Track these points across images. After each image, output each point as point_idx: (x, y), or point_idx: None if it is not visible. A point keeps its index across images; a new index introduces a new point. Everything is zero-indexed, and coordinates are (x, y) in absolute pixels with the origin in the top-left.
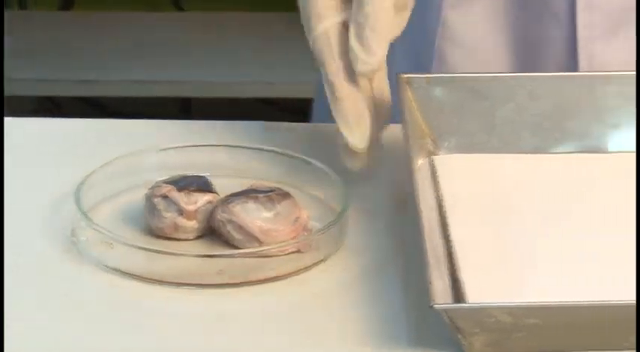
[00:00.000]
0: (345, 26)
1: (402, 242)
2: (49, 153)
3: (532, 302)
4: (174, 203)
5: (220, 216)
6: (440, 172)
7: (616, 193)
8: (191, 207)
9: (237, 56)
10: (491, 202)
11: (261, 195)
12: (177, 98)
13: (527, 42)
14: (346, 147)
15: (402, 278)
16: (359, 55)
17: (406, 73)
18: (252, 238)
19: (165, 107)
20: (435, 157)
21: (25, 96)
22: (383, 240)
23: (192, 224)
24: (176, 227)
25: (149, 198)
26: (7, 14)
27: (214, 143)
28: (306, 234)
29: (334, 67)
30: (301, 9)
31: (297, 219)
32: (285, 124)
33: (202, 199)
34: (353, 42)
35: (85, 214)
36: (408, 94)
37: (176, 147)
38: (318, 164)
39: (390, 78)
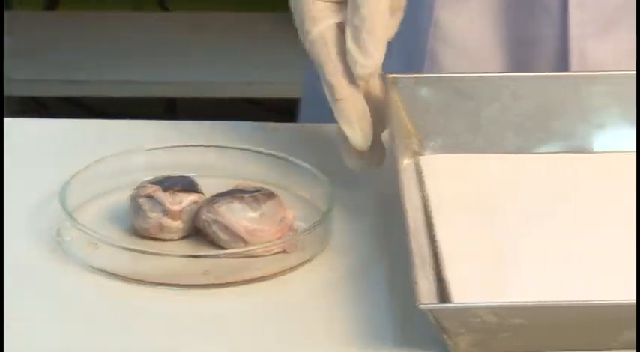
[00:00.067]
0: (340, 28)
1: (388, 242)
2: (35, 153)
3: (517, 302)
4: (160, 203)
5: (206, 216)
6: (425, 172)
7: (601, 193)
8: (176, 208)
9: (222, 56)
10: (476, 202)
11: (246, 195)
12: (162, 98)
13: (519, 40)
14: (350, 148)
15: (388, 278)
16: (357, 58)
17: (392, 73)
18: (238, 238)
19: (150, 107)
20: (421, 157)
21: (10, 96)
22: (368, 240)
23: (178, 224)
24: (161, 227)
25: (134, 198)
26: None
27: (200, 143)
28: (291, 234)
29: (333, 69)
30: (294, 12)
31: (282, 219)
32: (271, 124)
33: (187, 199)
34: (350, 45)
35: (70, 214)
36: (394, 94)
37: (162, 148)
38: (304, 164)
39: None
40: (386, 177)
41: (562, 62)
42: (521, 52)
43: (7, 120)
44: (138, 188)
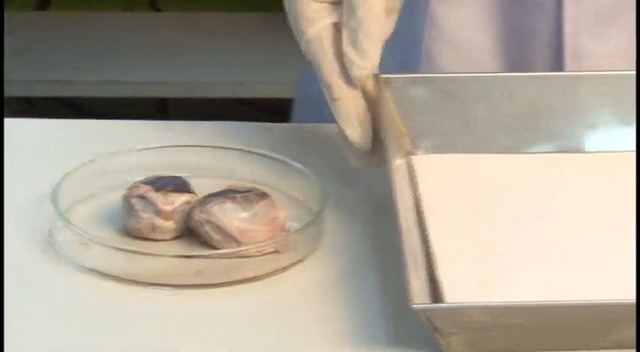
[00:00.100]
0: (336, 27)
1: (380, 242)
2: (26, 153)
3: (509, 302)
4: (152, 203)
5: (198, 216)
6: (418, 172)
7: (592, 193)
8: (168, 208)
9: (214, 56)
10: (468, 202)
11: (238, 196)
12: (153, 98)
13: (514, 36)
14: (351, 146)
15: (380, 278)
16: (354, 60)
17: (384, 73)
18: (230, 238)
19: (142, 108)
20: (413, 157)
21: None
22: (361, 240)
23: (170, 224)
24: (153, 227)
25: (126, 198)
26: None
27: (192, 143)
28: (283, 234)
29: (330, 69)
30: (289, 13)
31: (274, 219)
32: (264, 124)
33: (180, 199)
34: (347, 47)
35: (62, 215)
36: (387, 95)
37: (154, 148)
38: (297, 164)
39: None
40: (378, 178)
41: (557, 58)
42: (517, 48)
43: None
44: (130, 188)
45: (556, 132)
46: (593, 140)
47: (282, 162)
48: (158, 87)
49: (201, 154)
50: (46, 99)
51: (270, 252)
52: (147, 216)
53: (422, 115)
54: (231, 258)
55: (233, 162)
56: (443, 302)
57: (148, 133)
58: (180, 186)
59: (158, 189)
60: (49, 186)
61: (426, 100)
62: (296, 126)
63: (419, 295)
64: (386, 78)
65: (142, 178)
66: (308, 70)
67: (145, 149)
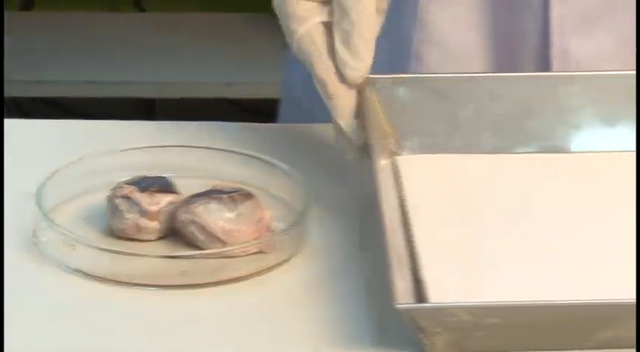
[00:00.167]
0: (326, 26)
1: (366, 242)
2: (11, 153)
3: (493, 302)
4: (137, 204)
5: (183, 216)
6: (403, 172)
7: (578, 194)
8: (153, 208)
9: (200, 57)
10: (454, 202)
11: (223, 196)
12: (139, 99)
13: (503, 36)
14: (348, 142)
15: (365, 278)
16: (347, 61)
17: (370, 74)
18: (215, 239)
19: (128, 108)
20: (398, 158)
21: None
22: (346, 241)
23: (155, 225)
24: (138, 228)
25: (111, 199)
26: None
27: (177, 144)
28: (269, 234)
29: (323, 67)
30: (278, 13)
31: (260, 220)
32: (250, 125)
33: (164, 200)
34: (340, 49)
35: (46, 215)
36: (372, 95)
37: (139, 148)
38: (282, 165)
39: None
40: (363, 178)
41: (544, 59)
42: (505, 48)
43: None
44: (115, 188)
45: (541, 132)
46: (579, 140)
47: (267, 162)
48: (144, 87)
49: (187, 154)
50: (32, 99)
51: (256, 253)
52: (132, 217)
53: (408, 115)
54: (216, 258)
55: (219, 163)
56: (427, 303)
57: (133, 133)
58: (165, 186)
59: (143, 190)
60: (34, 186)
61: (412, 100)
62: (282, 126)
63: (403, 295)
64: (370, 78)
65: (126, 178)
66: (292, 71)
67: (131, 149)
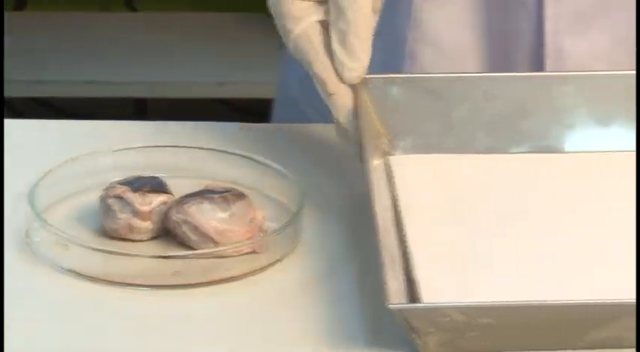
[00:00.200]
0: (323, 25)
1: (358, 242)
2: (4, 153)
3: (486, 302)
4: (129, 204)
5: (175, 216)
6: (396, 172)
7: (572, 193)
8: (145, 208)
9: (191, 56)
10: (447, 202)
11: (216, 196)
12: (131, 99)
13: (497, 35)
14: (349, 138)
15: (358, 278)
16: (344, 62)
17: None
18: (208, 239)
19: (120, 108)
20: (391, 158)
21: None
22: (339, 241)
23: (147, 225)
24: (131, 228)
25: (104, 199)
26: None
27: (170, 144)
28: (261, 234)
29: (322, 66)
30: (273, 12)
31: (252, 220)
32: (243, 125)
33: (157, 200)
34: (337, 49)
35: (39, 215)
36: (364, 95)
37: (131, 148)
38: (275, 165)
39: None
40: (356, 178)
41: (538, 58)
42: (499, 47)
43: None
44: (107, 188)
45: (536, 132)
46: (574, 140)
47: (260, 162)
48: (136, 87)
49: (180, 155)
50: (23, 99)
51: (248, 253)
52: (124, 217)
53: (401, 115)
54: (208, 258)
55: (211, 163)
56: (420, 303)
57: (126, 134)
58: (157, 186)
59: (136, 190)
60: (27, 187)
61: (405, 100)
62: (275, 126)
63: (396, 295)
64: (363, 78)
65: (119, 179)
66: (288, 70)
67: (123, 149)
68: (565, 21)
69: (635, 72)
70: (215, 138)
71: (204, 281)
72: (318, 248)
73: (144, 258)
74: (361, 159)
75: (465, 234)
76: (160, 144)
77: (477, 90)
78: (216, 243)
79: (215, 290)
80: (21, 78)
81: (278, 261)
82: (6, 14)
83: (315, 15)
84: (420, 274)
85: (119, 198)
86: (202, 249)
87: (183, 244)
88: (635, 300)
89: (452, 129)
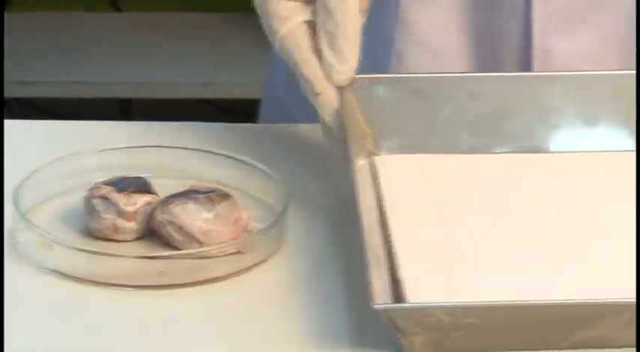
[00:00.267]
0: (309, 25)
1: (344, 242)
2: None
3: (470, 302)
4: (114, 204)
5: (160, 217)
6: (381, 172)
7: (557, 193)
8: (130, 209)
9: (175, 57)
10: (432, 202)
11: (201, 196)
12: (116, 99)
13: (485, 36)
14: (335, 137)
15: (343, 278)
16: (333, 64)
17: None
18: (192, 239)
19: (105, 108)
20: (376, 158)
21: None
22: (324, 241)
23: (132, 225)
24: (115, 228)
25: (88, 199)
26: None
27: (155, 144)
28: (246, 234)
29: (309, 66)
30: (260, 12)
31: (237, 220)
32: (229, 125)
33: (141, 200)
34: (326, 51)
35: (23, 215)
36: (349, 95)
37: (116, 149)
38: (260, 165)
39: None
40: (341, 178)
41: (526, 59)
42: (487, 48)
43: None
44: (92, 189)
45: (520, 132)
46: (559, 140)
47: (245, 162)
48: (121, 87)
49: (165, 155)
50: (6, 100)
51: (233, 253)
52: (109, 217)
53: (386, 115)
54: (193, 258)
55: (196, 163)
56: (405, 303)
57: (111, 134)
58: (142, 186)
59: (120, 190)
60: (11, 187)
61: (389, 100)
62: (261, 126)
63: (381, 295)
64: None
65: (103, 179)
66: (274, 70)
67: (108, 149)
68: (553, 21)
69: (622, 72)
70: (200, 138)
71: (189, 281)
72: (304, 248)
73: (129, 259)
74: (346, 158)
75: (450, 234)
76: (144, 145)
77: (462, 90)
78: (201, 244)
79: (200, 290)
80: (5, 78)
81: (263, 261)
82: None
83: (301, 15)
84: (405, 274)
85: (104, 198)
86: (187, 249)
87: (168, 244)
88: (620, 300)
89: (437, 129)
